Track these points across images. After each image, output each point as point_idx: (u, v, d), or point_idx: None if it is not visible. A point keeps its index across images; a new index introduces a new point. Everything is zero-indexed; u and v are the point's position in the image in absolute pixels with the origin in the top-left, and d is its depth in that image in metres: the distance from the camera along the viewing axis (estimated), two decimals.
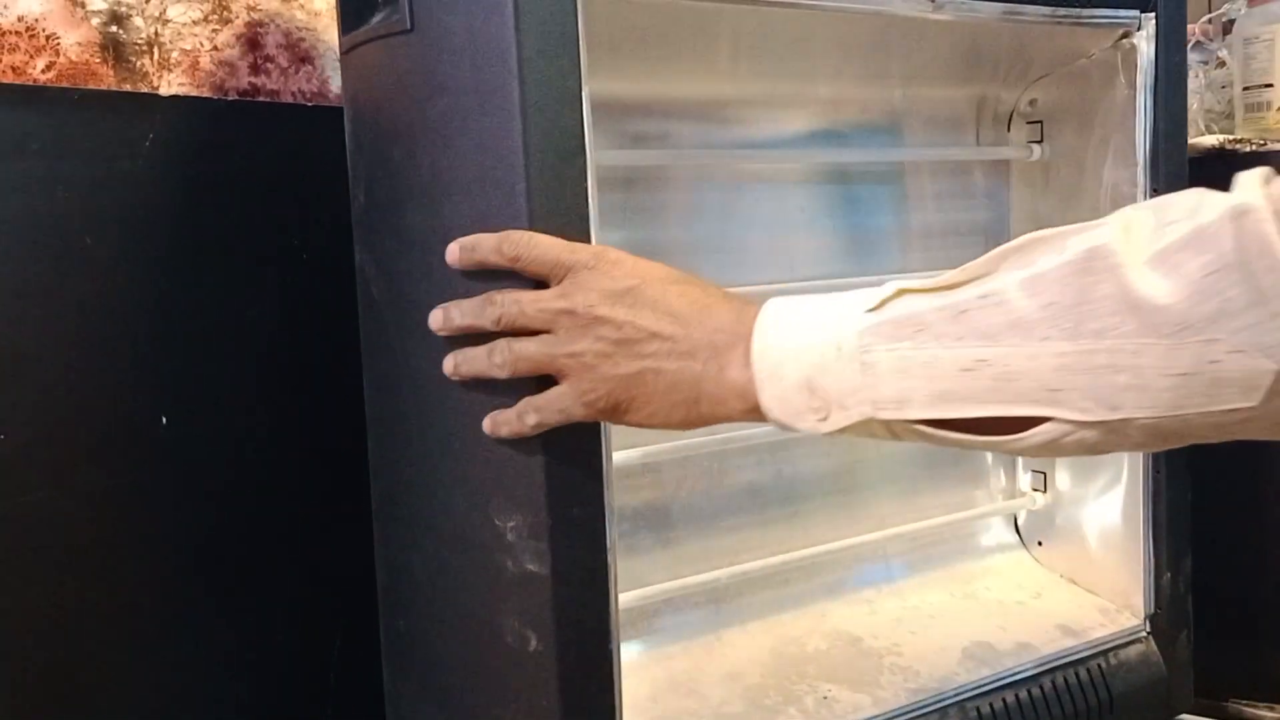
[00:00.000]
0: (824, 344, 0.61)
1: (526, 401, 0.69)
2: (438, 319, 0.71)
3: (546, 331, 0.67)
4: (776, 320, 0.64)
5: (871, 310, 0.61)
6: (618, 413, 0.67)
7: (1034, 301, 0.56)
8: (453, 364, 0.71)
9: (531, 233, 0.68)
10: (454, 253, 0.70)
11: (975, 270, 0.60)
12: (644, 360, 0.65)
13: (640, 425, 0.68)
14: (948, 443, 0.60)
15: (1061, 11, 0.94)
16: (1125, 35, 0.99)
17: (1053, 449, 0.58)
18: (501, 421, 0.70)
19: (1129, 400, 0.55)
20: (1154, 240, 0.55)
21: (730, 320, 0.65)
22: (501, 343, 0.68)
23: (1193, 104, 1.38)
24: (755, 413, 0.64)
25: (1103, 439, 0.57)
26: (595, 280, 0.66)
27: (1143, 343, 0.53)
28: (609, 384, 0.66)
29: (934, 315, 0.59)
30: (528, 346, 0.68)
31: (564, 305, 0.66)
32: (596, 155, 0.72)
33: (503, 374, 0.68)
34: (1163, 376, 0.53)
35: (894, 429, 0.61)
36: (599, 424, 0.73)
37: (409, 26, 0.73)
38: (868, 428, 0.62)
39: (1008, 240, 0.61)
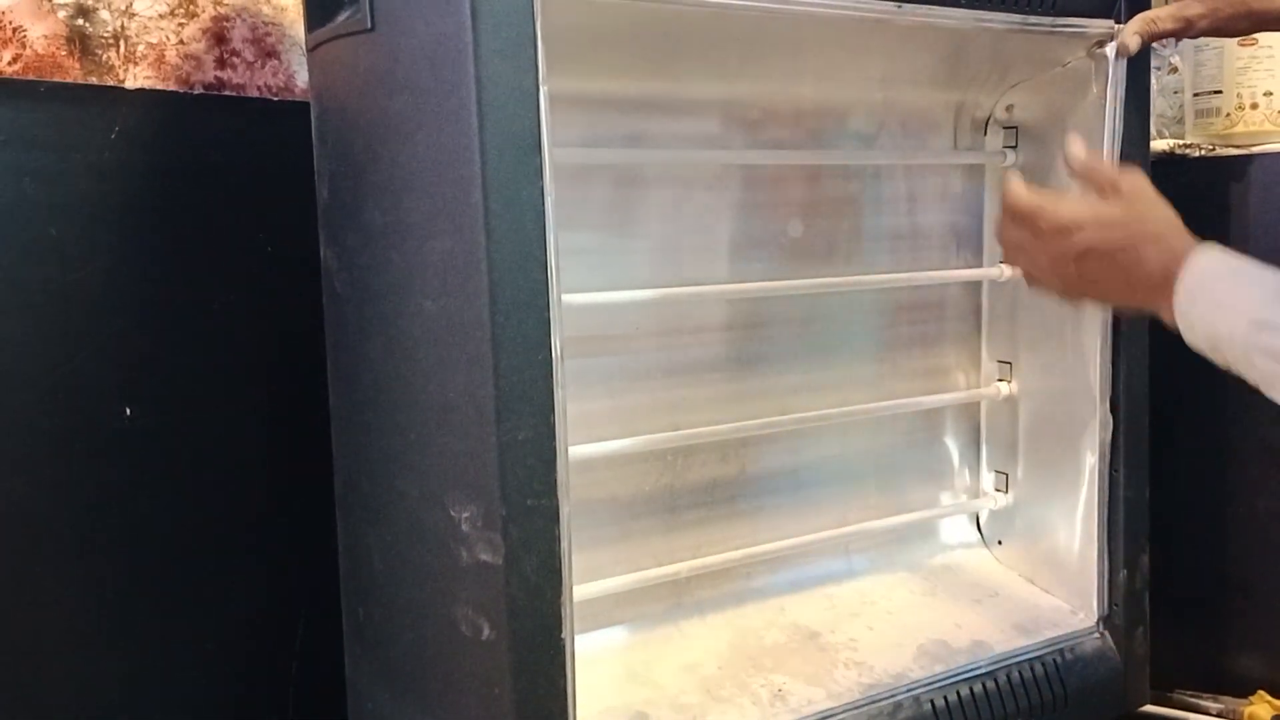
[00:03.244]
0: None
1: None
2: None
3: None
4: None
5: None
6: None
7: None
8: None
9: None
10: None
11: None
12: None
13: None
14: None
15: (1033, 20, 0.95)
16: (1099, 44, 1.00)
17: None
18: None
19: None
20: None
21: None
22: None
23: None
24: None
25: None
26: None
27: None
28: None
29: None
30: None
31: None
32: (555, 153, 0.72)
33: None
34: None
35: None
36: (552, 417, 0.73)
37: (370, 25, 0.75)
38: None
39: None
